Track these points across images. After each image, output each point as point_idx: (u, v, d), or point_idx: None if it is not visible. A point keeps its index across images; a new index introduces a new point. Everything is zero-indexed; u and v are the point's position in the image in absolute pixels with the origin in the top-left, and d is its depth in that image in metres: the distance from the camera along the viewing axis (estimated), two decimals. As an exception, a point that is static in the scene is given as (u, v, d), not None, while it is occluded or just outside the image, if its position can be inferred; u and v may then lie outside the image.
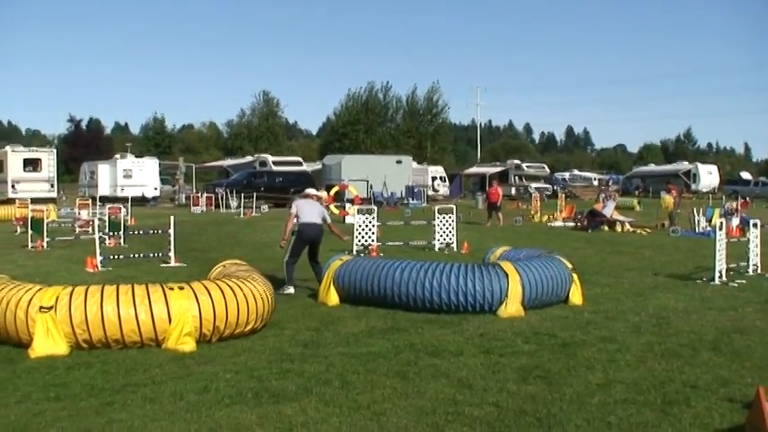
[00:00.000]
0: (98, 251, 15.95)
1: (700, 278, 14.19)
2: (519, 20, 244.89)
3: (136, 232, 21.08)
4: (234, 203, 41.37)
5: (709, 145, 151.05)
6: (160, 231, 18.39)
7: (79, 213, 28.01)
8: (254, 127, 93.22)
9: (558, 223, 31.31)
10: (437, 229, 20.26)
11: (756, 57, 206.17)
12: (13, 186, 42.57)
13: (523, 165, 69.83)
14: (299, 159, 59.54)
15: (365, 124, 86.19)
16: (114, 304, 8.30)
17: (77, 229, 24.11)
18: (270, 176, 49.43)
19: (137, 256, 17.17)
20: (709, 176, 68.00)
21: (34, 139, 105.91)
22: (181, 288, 8.72)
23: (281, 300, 11.32)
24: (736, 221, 24.78)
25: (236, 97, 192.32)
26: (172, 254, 16.80)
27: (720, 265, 14.01)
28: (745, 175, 72.96)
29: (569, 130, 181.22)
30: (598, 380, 7.28)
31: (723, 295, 12.52)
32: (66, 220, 27.92)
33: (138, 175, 49.63)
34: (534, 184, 62.57)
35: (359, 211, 19.92)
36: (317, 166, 58.13)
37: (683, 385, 7.09)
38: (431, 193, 57.53)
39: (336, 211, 32.48)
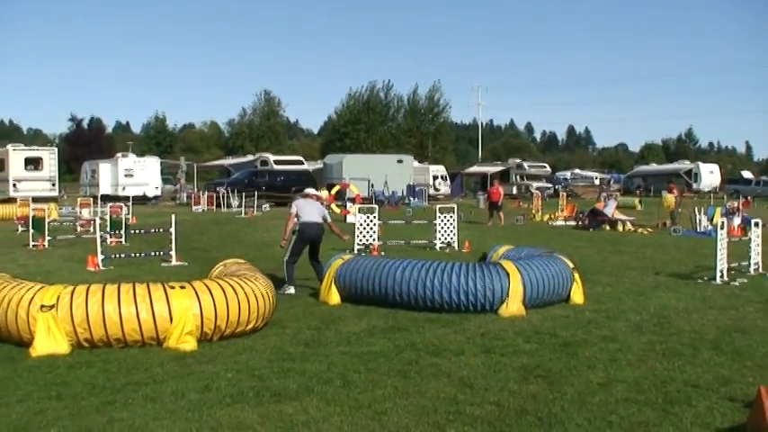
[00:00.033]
0: (99, 250, 15.96)
1: (701, 277, 14.19)
2: (520, 19, 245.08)
3: (137, 231, 21.09)
4: (235, 202, 41.35)
5: (711, 144, 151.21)
6: (161, 230, 18.39)
7: (80, 212, 28.06)
8: (256, 126, 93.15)
9: (560, 222, 31.30)
10: (438, 228, 20.26)
11: (757, 56, 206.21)
12: (14, 185, 42.54)
13: (525, 164, 69.84)
14: (301, 158, 59.46)
15: (366, 123, 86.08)
16: (115, 303, 8.31)
17: (79, 228, 24.14)
18: (271, 175, 49.38)
19: (138, 255, 17.17)
20: (710, 176, 67.93)
21: (36, 138, 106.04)
22: (182, 287, 8.73)
23: (282, 299, 11.33)
24: (737, 221, 24.76)
25: (238, 96, 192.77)
26: (173, 253, 16.80)
27: (722, 264, 14.00)
28: (747, 175, 72.86)
29: (571, 130, 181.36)
30: (599, 379, 7.28)
31: (724, 294, 12.51)
32: (67, 219, 27.95)
33: (139, 174, 49.64)
34: (535, 184, 62.59)
35: (360, 211, 19.93)
36: (319, 165, 58.10)
37: (685, 384, 7.09)
38: (432, 192, 57.48)
39: (338, 210, 32.49)
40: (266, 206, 41.02)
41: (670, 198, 29.46)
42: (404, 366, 7.76)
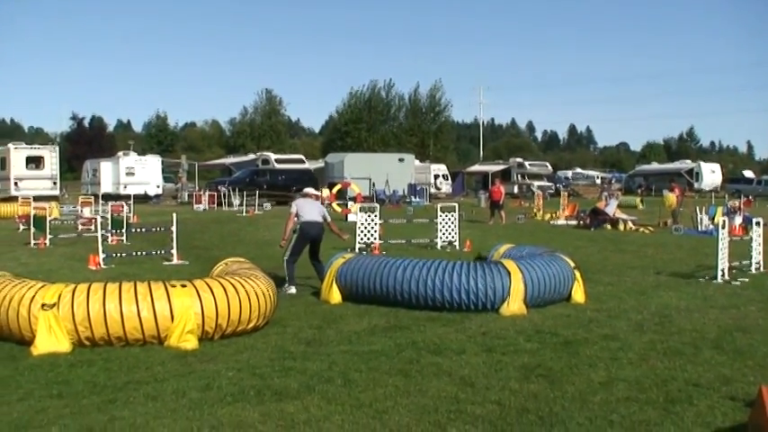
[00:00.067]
0: (100, 249, 15.96)
1: (702, 276, 14.18)
2: (522, 18, 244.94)
3: (138, 230, 21.11)
4: (236, 201, 41.36)
5: (712, 143, 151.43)
6: (162, 229, 18.40)
7: (82, 211, 28.05)
8: (257, 125, 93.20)
9: (561, 222, 31.31)
10: (439, 227, 20.27)
11: (759, 55, 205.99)
12: (15, 184, 42.56)
13: (526, 163, 69.84)
14: (302, 157, 59.51)
15: (368, 122, 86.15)
16: (117, 302, 8.31)
17: (80, 227, 24.12)
18: (272, 174, 49.44)
19: (139, 253, 17.18)
20: (711, 175, 67.94)
21: (37, 136, 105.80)
22: (183, 285, 8.73)
23: (283, 298, 11.34)
24: (738, 220, 24.75)
25: (239, 95, 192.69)
26: (174, 251, 16.81)
27: (723, 263, 14.00)
28: (748, 174, 72.89)
29: (572, 129, 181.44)
30: (600, 378, 7.27)
31: (725, 294, 12.51)
32: (68, 217, 27.93)
33: (140, 173, 49.68)
34: (537, 183, 62.66)
35: (361, 210, 19.93)
36: (320, 164, 58.13)
37: (686, 383, 7.08)
38: (433, 191, 57.52)
39: (339, 209, 32.49)
40: (267, 205, 41.05)
41: (671, 197, 29.46)
42: (405, 365, 7.76)
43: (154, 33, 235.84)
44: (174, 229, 16.83)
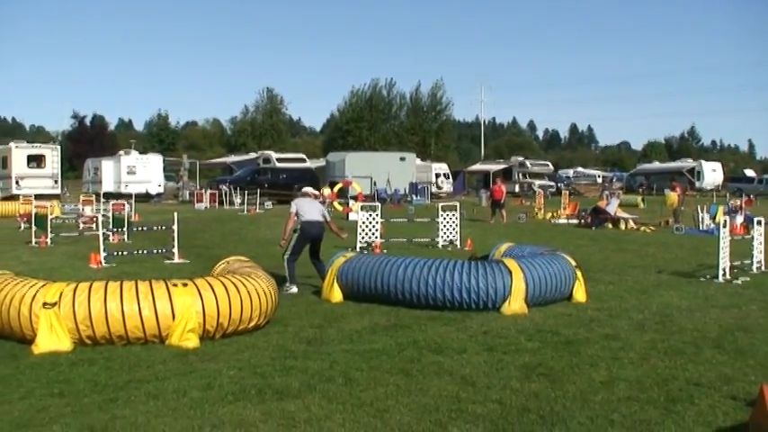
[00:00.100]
0: (102, 247, 15.97)
1: (703, 276, 14.18)
2: (523, 17, 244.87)
3: (139, 229, 21.11)
4: (237, 200, 41.39)
5: (713, 142, 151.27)
6: (164, 228, 18.40)
7: (83, 210, 28.05)
8: (258, 124, 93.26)
9: (562, 220, 31.30)
10: (441, 226, 20.26)
11: (760, 54, 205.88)
12: (17, 182, 42.63)
13: (527, 162, 69.86)
14: (303, 156, 59.43)
15: (369, 121, 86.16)
16: (118, 300, 8.31)
17: (81, 226, 24.14)
18: (273, 173, 49.45)
19: (140, 252, 17.19)
20: (712, 174, 67.87)
21: (38, 135, 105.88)
22: (184, 284, 8.72)
23: (285, 297, 11.34)
24: (739, 219, 24.72)
25: (240, 94, 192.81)
26: (175, 250, 16.81)
27: (724, 262, 13.99)
28: (749, 173, 72.85)
29: (573, 128, 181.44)
30: (601, 377, 7.27)
31: (727, 293, 12.50)
32: (69, 216, 27.96)
33: (141, 172, 49.68)
34: (538, 182, 62.61)
35: (362, 208, 19.93)
36: (321, 162, 58.15)
37: (687, 383, 7.08)
38: (434, 190, 57.51)
39: (340, 208, 32.49)
40: (269, 204, 41.05)
41: (673, 196, 29.43)
42: (406, 364, 7.76)
43: (155, 32, 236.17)
44: (175, 227, 16.84)
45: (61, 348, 8.16)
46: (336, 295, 11.54)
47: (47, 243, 19.95)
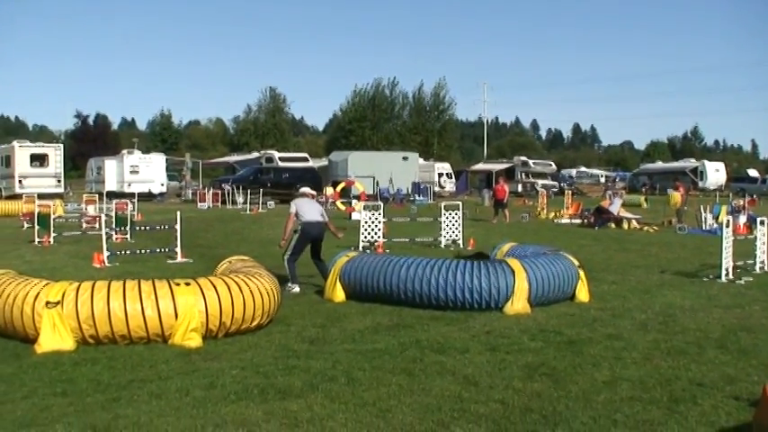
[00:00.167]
0: (105, 247, 15.99)
1: (706, 276, 14.17)
2: (526, 16, 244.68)
3: (142, 228, 21.13)
4: (240, 199, 41.40)
5: (717, 142, 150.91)
6: (167, 227, 18.42)
7: (86, 209, 28.06)
8: (261, 123, 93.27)
9: (565, 220, 31.29)
10: (443, 225, 20.25)
11: (762, 54, 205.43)
12: (20, 182, 42.70)
13: (530, 162, 69.77)
14: (306, 155, 59.49)
15: (371, 121, 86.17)
16: (121, 300, 8.32)
17: (84, 225, 24.18)
18: (276, 173, 49.49)
19: (143, 251, 17.20)
20: (716, 174, 67.79)
21: (41, 134, 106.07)
22: (187, 284, 8.73)
23: (287, 296, 11.35)
24: (743, 219, 24.70)
25: (243, 93, 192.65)
26: (178, 250, 16.83)
27: (727, 262, 13.97)
28: (753, 173, 72.64)
29: (576, 127, 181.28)
30: (604, 377, 7.27)
31: (730, 293, 12.49)
32: (72, 215, 28.01)
33: (144, 171, 49.70)
34: (541, 181, 62.52)
35: (365, 208, 19.92)
36: (324, 162, 58.16)
37: (690, 383, 7.07)
38: (437, 189, 57.51)
39: (343, 208, 32.48)
40: (271, 203, 41.08)
41: (676, 196, 29.40)
42: (408, 364, 7.76)
43: (158, 32, 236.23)
44: (178, 227, 16.85)
45: (64, 348, 8.16)
46: (339, 295, 11.54)
47: (50, 242, 19.97)
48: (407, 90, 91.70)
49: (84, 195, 33.46)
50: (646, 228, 26.68)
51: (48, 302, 8.28)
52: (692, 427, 5.90)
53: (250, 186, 41.93)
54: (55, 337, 8.20)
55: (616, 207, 28.07)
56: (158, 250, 17.31)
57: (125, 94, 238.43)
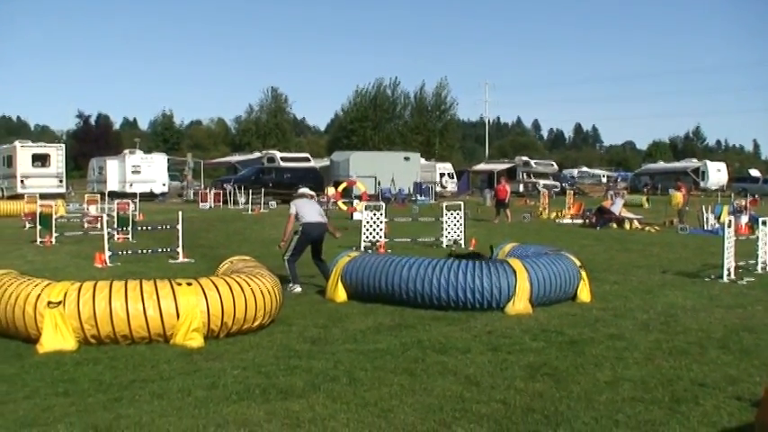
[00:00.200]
0: (106, 247, 15.99)
1: (708, 276, 14.16)
2: (528, 16, 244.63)
3: (144, 228, 21.14)
4: (242, 199, 41.39)
5: (718, 142, 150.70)
6: (168, 227, 18.43)
7: (88, 209, 28.09)
8: (263, 123, 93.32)
9: (567, 220, 31.26)
10: (445, 225, 20.25)
11: (763, 54, 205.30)
12: (21, 182, 42.74)
13: (532, 162, 69.74)
14: (307, 156, 59.49)
15: (373, 121, 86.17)
16: (123, 300, 8.32)
17: (86, 225, 24.19)
18: (278, 173, 49.48)
19: (145, 251, 17.21)
20: (717, 174, 67.73)
21: (43, 134, 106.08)
22: (189, 284, 8.73)
23: (289, 296, 11.35)
24: (744, 219, 24.68)
25: (245, 93, 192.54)
26: (180, 250, 16.83)
27: (729, 262, 13.96)
28: (754, 173, 72.59)
29: (578, 127, 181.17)
30: (606, 377, 7.26)
31: (731, 293, 12.48)
32: (74, 215, 28.01)
33: (146, 171, 49.70)
34: (542, 181, 62.46)
35: (367, 208, 19.92)
36: (325, 162, 58.16)
37: (692, 383, 7.07)
38: (439, 189, 57.51)
39: (344, 208, 32.49)
40: (273, 203, 41.08)
41: (678, 196, 29.38)
42: (410, 364, 7.76)
43: (160, 32, 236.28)
44: (179, 227, 16.85)
45: (66, 348, 8.17)
46: (340, 295, 11.54)
47: (51, 242, 19.99)
48: (409, 90, 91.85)
49: (86, 195, 33.47)
50: (647, 228, 26.67)
51: (50, 302, 8.28)
52: (693, 428, 5.89)
53: (252, 186, 41.93)
54: (57, 337, 8.21)
55: (618, 207, 28.05)
56: (160, 250, 17.31)
57: (127, 94, 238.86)
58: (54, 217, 20.86)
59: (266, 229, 25.95)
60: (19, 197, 36.05)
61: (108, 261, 15.74)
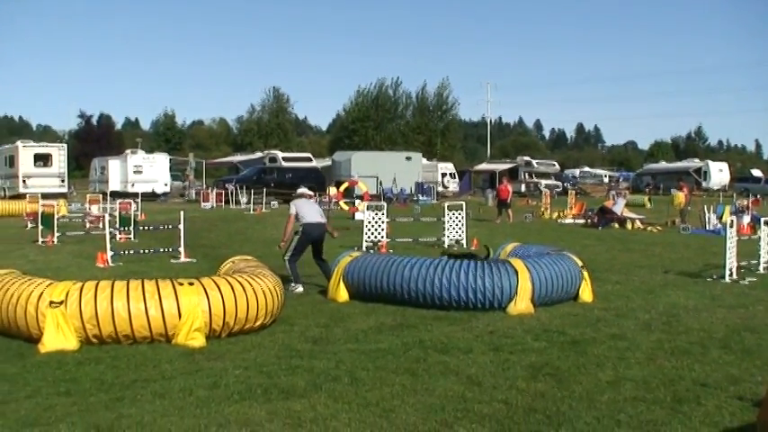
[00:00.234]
0: (108, 246, 15.99)
1: (710, 276, 14.14)
2: (529, 16, 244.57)
3: (146, 228, 21.17)
4: (244, 199, 41.41)
5: (720, 142, 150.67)
6: (170, 227, 18.43)
7: (90, 209, 28.11)
8: (264, 123, 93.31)
9: (568, 220, 31.25)
10: (447, 225, 20.23)
11: (764, 54, 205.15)
12: (23, 181, 42.77)
13: (533, 162, 69.77)
14: (309, 155, 59.48)
15: (375, 120, 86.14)
16: (124, 299, 8.32)
17: (88, 225, 24.22)
18: (280, 172, 49.48)
19: (147, 251, 17.22)
20: (719, 174, 67.67)
21: (45, 134, 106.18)
22: (191, 284, 8.74)
23: (290, 296, 11.35)
24: (746, 219, 24.68)
25: (247, 93, 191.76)
26: (182, 249, 16.83)
27: (731, 262, 13.96)
28: (756, 173, 72.49)
29: (580, 127, 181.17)
30: (608, 377, 7.26)
31: (733, 293, 12.47)
32: (76, 215, 28.04)
33: (148, 171, 49.72)
34: (544, 181, 62.49)
35: (368, 208, 19.91)
36: (327, 162, 58.16)
37: (693, 383, 7.06)
38: (440, 189, 57.50)
39: (346, 208, 32.49)
40: (275, 203, 41.09)
41: (680, 196, 29.37)
42: (412, 364, 7.75)
43: (161, 31, 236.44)
44: (181, 227, 16.85)
45: (68, 347, 8.17)
46: (342, 295, 11.55)
47: (53, 242, 20.00)
48: (411, 90, 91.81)
49: (88, 195, 33.50)
50: (649, 228, 26.66)
51: (51, 302, 8.29)
52: (695, 428, 5.89)
53: (253, 186, 41.94)
54: (58, 337, 8.21)
55: (620, 207, 28.04)
56: (162, 250, 17.32)
57: (129, 94, 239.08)
58: (56, 217, 20.89)
59: (268, 228, 25.95)
60: (21, 197, 36.09)
61: (110, 261, 15.75)
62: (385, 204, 20.70)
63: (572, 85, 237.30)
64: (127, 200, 24.51)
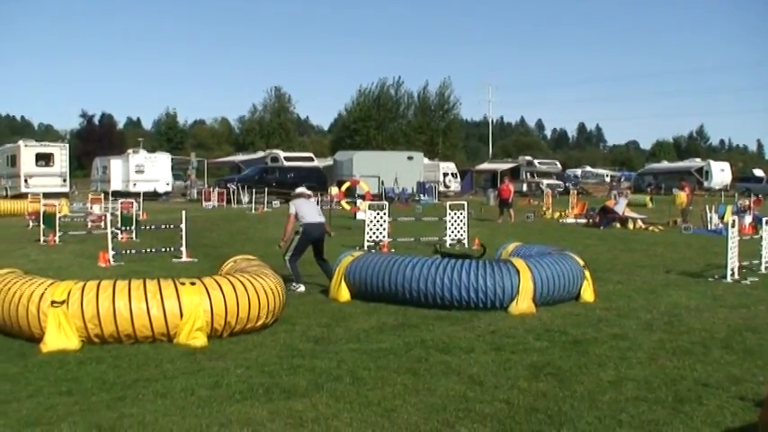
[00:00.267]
0: (110, 246, 15.99)
1: (712, 276, 14.13)
2: (531, 16, 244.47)
3: (148, 227, 21.17)
4: (245, 199, 41.42)
5: (722, 142, 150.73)
6: (172, 226, 18.43)
7: (91, 208, 28.14)
8: (266, 123, 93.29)
9: (570, 220, 31.25)
10: (448, 225, 20.24)
11: (765, 54, 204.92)
12: (25, 181, 42.78)
13: (535, 161, 69.77)
14: (311, 155, 59.50)
15: (376, 120, 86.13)
16: (126, 299, 8.32)
17: (89, 224, 24.22)
18: (281, 172, 49.46)
19: (149, 251, 17.22)
20: (721, 174, 67.58)
21: (47, 133, 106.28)
22: (192, 283, 8.74)
23: (292, 296, 11.34)
24: (748, 219, 24.67)
25: (248, 93, 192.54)
26: (183, 249, 16.83)
27: (732, 262, 13.95)
28: (758, 173, 72.41)
29: (581, 127, 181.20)
30: (609, 377, 7.26)
31: (735, 293, 12.46)
32: (78, 214, 28.05)
33: (150, 171, 49.76)
34: (546, 181, 62.49)
35: (370, 207, 19.91)
36: (329, 161, 58.14)
37: (695, 383, 7.06)
38: (442, 189, 57.49)
39: (347, 207, 32.48)
40: (276, 202, 41.07)
41: (681, 196, 29.36)
42: (413, 364, 7.75)
43: (163, 31, 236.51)
44: (183, 226, 16.85)
45: (69, 347, 8.18)
46: (344, 294, 11.55)
47: (55, 241, 20.01)
48: (412, 90, 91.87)
49: (90, 195, 33.56)
50: (651, 228, 26.65)
51: (53, 302, 8.29)
52: (697, 428, 5.89)
53: (255, 186, 41.95)
54: (60, 336, 8.22)
55: (621, 207, 28.04)
56: (163, 249, 17.33)
57: (130, 94, 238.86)
58: (58, 216, 20.91)
59: (269, 228, 25.93)
60: (23, 196, 36.11)
61: (111, 260, 15.75)
62: (386, 204, 20.71)
63: (574, 85, 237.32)
64: (129, 199, 24.51)
